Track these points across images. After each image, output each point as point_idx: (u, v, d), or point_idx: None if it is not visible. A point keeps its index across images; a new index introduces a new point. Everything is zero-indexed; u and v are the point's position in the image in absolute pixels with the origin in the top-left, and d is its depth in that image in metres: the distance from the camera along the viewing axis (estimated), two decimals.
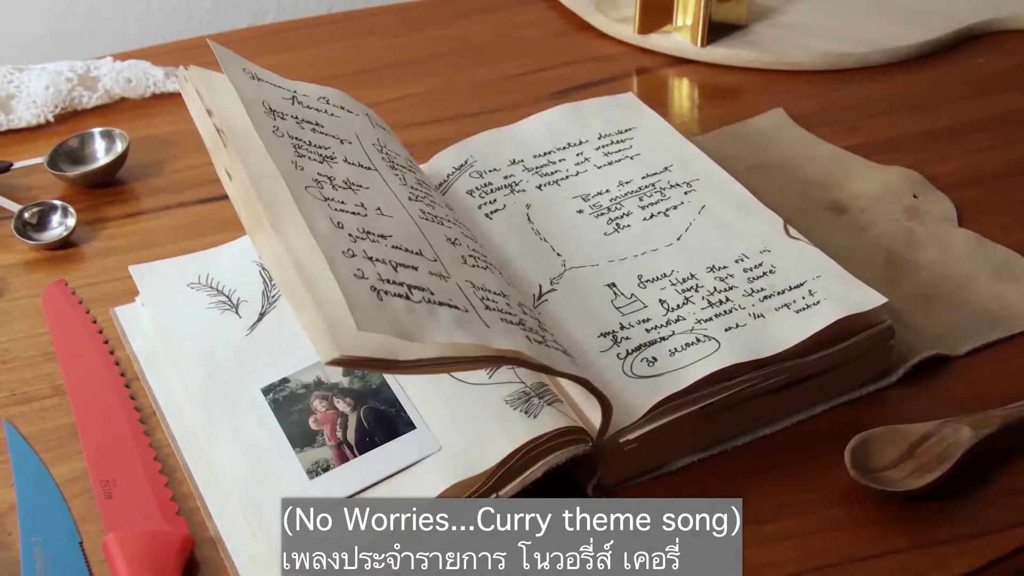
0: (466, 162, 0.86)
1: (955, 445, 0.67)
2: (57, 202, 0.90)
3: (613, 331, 0.71)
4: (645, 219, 0.80)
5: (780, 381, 0.70)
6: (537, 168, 0.86)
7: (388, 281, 0.59)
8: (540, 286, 0.75)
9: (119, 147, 0.95)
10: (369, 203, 0.66)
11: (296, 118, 0.71)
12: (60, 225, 0.90)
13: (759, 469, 0.69)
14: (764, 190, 0.90)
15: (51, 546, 0.65)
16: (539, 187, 0.84)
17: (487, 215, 0.81)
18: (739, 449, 0.70)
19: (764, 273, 0.75)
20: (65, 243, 0.89)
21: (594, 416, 0.66)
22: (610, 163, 0.86)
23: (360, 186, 0.67)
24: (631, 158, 0.86)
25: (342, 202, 0.64)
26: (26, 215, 0.90)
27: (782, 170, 0.93)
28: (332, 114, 0.75)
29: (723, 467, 0.69)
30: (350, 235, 0.61)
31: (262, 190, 0.64)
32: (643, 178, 0.84)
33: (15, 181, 0.95)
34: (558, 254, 0.78)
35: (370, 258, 0.60)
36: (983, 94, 1.03)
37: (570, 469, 0.66)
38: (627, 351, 0.70)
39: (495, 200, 0.83)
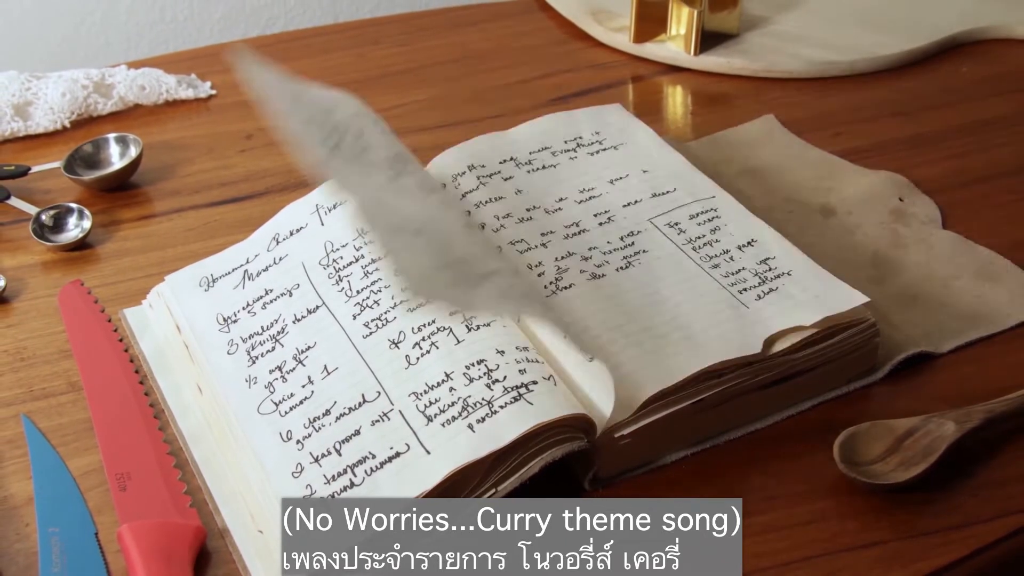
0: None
1: (939, 439, 0.67)
2: (73, 205, 0.90)
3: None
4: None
5: (769, 378, 0.70)
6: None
7: (333, 478, 0.64)
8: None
9: (133, 152, 0.95)
10: (315, 368, 0.71)
11: (247, 306, 0.76)
12: (76, 227, 0.89)
13: (750, 463, 0.69)
14: (754, 193, 0.90)
15: (67, 537, 0.65)
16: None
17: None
18: (731, 443, 0.70)
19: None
20: (81, 244, 0.88)
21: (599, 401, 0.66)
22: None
23: (308, 347, 0.72)
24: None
25: (291, 394, 0.70)
26: (43, 217, 0.89)
27: (772, 174, 0.93)
28: (280, 259, 0.79)
29: (715, 461, 0.69)
30: (298, 442, 0.66)
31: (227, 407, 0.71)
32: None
33: (33, 185, 0.95)
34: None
35: (316, 459, 0.65)
36: (966, 101, 1.03)
37: (567, 464, 0.66)
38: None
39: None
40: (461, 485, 0.63)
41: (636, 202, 0.81)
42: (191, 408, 0.73)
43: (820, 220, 0.88)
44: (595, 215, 0.80)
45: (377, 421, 0.66)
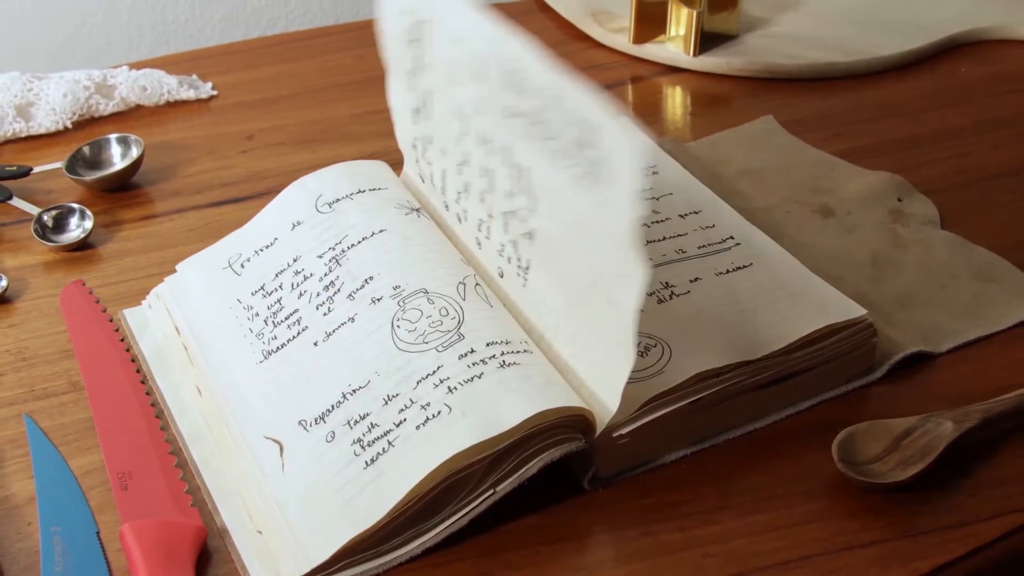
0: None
1: (937, 439, 0.67)
2: (75, 205, 0.90)
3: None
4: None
5: (767, 378, 0.70)
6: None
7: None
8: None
9: (134, 152, 0.95)
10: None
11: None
12: (78, 227, 0.89)
13: (749, 462, 0.69)
14: (754, 194, 0.90)
15: (69, 536, 0.65)
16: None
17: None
18: (730, 443, 0.70)
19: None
20: (82, 245, 0.89)
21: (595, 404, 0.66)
22: None
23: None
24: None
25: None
26: (45, 218, 0.90)
27: (771, 174, 0.93)
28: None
29: (714, 460, 0.69)
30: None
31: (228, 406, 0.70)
32: None
33: (35, 185, 0.95)
34: None
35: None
36: (964, 101, 1.04)
37: (565, 464, 0.66)
38: None
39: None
40: (460, 485, 0.63)
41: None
42: (191, 408, 0.73)
43: (819, 220, 0.88)
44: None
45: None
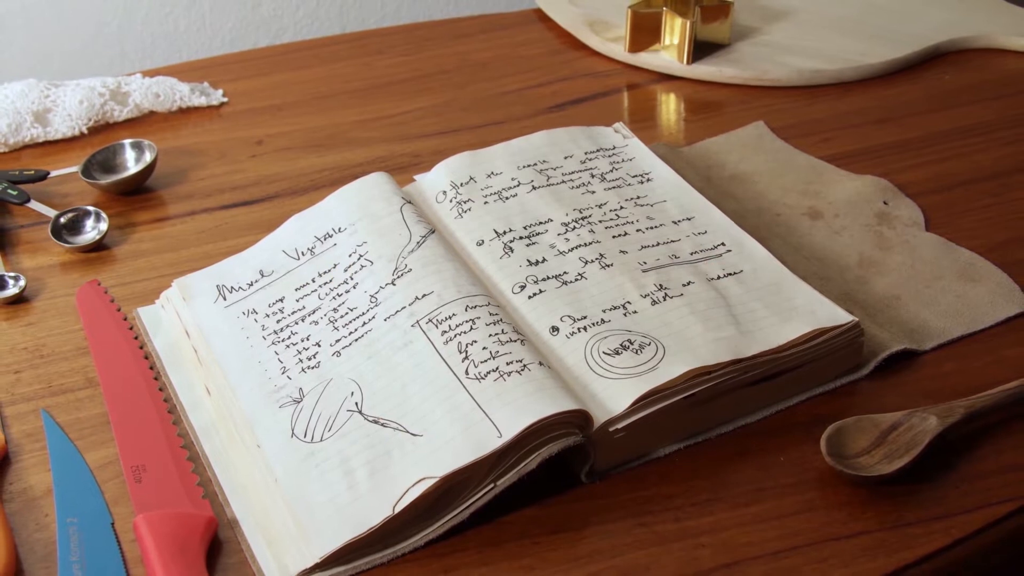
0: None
1: (922, 433, 0.67)
2: (91, 208, 0.90)
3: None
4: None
5: (758, 375, 0.70)
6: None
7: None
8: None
9: (148, 157, 0.95)
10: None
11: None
12: (93, 229, 0.89)
13: (741, 455, 0.69)
14: (745, 196, 0.90)
15: (85, 526, 0.65)
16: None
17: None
18: (722, 437, 0.70)
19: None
20: (98, 246, 0.89)
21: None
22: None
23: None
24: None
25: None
26: (62, 220, 0.90)
27: (762, 178, 0.93)
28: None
29: (707, 453, 0.69)
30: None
31: (236, 409, 0.71)
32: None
33: (52, 189, 0.95)
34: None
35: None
36: (948, 107, 1.04)
37: (564, 458, 0.66)
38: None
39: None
40: (462, 484, 0.63)
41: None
42: (202, 403, 0.73)
43: (808, 223, 0.88)
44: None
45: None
